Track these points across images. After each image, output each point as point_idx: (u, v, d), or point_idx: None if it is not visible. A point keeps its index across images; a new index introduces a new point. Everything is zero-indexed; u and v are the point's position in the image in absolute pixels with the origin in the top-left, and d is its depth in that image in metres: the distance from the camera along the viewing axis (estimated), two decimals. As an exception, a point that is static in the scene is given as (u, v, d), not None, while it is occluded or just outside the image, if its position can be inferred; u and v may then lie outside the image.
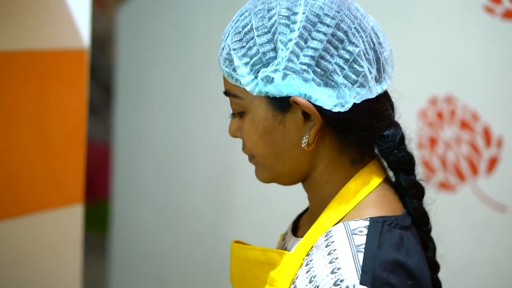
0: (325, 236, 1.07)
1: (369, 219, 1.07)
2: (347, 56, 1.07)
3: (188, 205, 2.77)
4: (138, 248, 2.88)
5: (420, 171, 1.16)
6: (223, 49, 1.12)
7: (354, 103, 1.07)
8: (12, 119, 1.74)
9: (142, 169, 2.88)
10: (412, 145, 1.15)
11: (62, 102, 1.84)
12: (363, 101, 1.08)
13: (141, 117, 2.87)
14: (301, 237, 1.14)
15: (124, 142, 2.93)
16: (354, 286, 0.99)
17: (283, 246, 1.22)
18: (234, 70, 1.10)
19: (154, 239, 2.83)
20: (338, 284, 1.00)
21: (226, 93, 1.14)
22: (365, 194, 1.10)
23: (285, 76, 1.07)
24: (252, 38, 1.08)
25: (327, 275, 1.02)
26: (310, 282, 1.04)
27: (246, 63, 1.08)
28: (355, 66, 1.07)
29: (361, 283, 0.99)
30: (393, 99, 1.15)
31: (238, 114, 1.14)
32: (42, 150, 1.82)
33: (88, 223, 2.66)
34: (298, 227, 1.23)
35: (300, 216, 1.26)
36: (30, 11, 1.76)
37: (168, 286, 2.79)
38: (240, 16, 1.11)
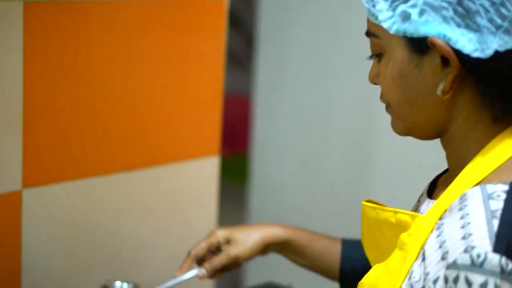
0: (460, 199, 1.01)
1: (509, 183, 0.99)
2: None
3: (328, 160, 2.74)
4: (275, 201, 2.88)
5: None
6: None
7: (498, 52, 1.00)
8: (149, 69, 1.75)
9: (282, 121, 2.86)
10: None
11: (200, 53, 1.84)
12: (509, 51, 1.00)
13: (282, 69, 2.85)
14: (436, 199, 1.08)
15: (265, 94, 2.93)
16: (486, 253, 0.92)
17: (417, 208, 1.16)
18: (374, 5, 1.06)
19: (292, 192, 2.82)
20: (468, 251, 0.93)
21: (367, 33, 1.10)
22: (506, 157, 1.03)
23: (422, 12, 1.01)
24: None
25: (458, 241, 0.96)
26: (440, 247, 0.98)
27: None
28: (502, 9, 0.99)
29: (494, 250, 0.92)
30: None
31: (377, 56, 1.10)
32: (179, 101, 1.82)
33: (227, 175, 2.68)
34: (435, 188, 1.18)
35: (438, 177, 1.20)
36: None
37: (305, 240, 2.78)
38: None
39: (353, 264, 1.41)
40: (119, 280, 1.53)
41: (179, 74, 1.81)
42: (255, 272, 2.96)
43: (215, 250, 1.42)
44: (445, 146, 1.11)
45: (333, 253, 1.43)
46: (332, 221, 2.68)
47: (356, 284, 1.40)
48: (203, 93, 1.86)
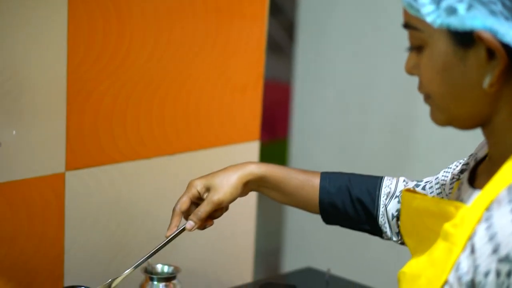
0: (508, 190, 0.99)
1: None
2: None
3: (366, 147, 2.73)
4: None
5: None
6: None
7: None
8: (191, 55, 1.76)
9: (321, 108, 2.86)
10: None
11: (242, 39, 1.84)
12: None
13: (322, 56, 2.85)
14: (479, 188, 1.07)
15: (304, 81, 2.93)
16: None
17: (458, 197, 1.14)
18: None
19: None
20: None
21: (406, 25, 1.07)
22: None
23: (470, 6, 0.99)
24: None
25: (510, 234, 0.95)
26: (491, 239, 0.97)
27: None
28: None
29: None
30: None
31: (416, 49, 1.07)
32: (220, 86, 1.83)
33: (266, 161, 2.69)
34: (475, 176, 1.16)
35: (478, 164, 1.19)
36: None
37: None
38: None
39: (330, 198, 1.39)
40: (160, 263, 1.55)
41: (221, 61, 1.81)
42: (293, 257, 2.97)
43: (198, 201, 1.39)
44: (488, 136, 1.10)
45: (310, 187, 1.40)
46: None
47: (336, 218, 1.39)
48: (244, 79, 1.87)
